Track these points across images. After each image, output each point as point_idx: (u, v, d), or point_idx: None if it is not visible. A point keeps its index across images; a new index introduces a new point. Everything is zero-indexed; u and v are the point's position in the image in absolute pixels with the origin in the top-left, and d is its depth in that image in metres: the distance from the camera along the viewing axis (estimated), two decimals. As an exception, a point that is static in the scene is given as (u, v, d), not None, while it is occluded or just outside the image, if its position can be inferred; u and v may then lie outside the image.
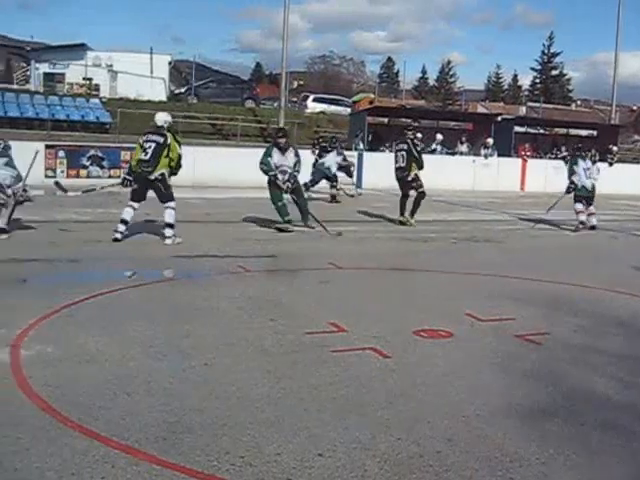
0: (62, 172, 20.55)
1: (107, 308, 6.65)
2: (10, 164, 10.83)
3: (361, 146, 26.67)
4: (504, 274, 8.99)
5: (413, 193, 14.00)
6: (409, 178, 13.93)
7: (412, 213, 13.88)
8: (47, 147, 20.64)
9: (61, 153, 20.84)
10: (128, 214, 10.53)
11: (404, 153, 14.04)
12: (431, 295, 7.81)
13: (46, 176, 20.06)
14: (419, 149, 14.60)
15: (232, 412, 4.21)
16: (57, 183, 12.21)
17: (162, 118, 10.83)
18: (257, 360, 5.18)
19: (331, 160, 18.98)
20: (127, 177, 10.93)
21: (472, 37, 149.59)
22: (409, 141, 14.17)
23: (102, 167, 21.44)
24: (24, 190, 10.75)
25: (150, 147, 10.44)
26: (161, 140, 10.47)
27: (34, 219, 11.56)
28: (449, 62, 79.95)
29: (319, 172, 18.70)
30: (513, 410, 4.44)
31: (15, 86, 41.80)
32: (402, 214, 14.00)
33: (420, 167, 14.03)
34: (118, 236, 10.33)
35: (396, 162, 14.21)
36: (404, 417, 4.23)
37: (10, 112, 29.93)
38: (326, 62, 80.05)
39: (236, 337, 5.74)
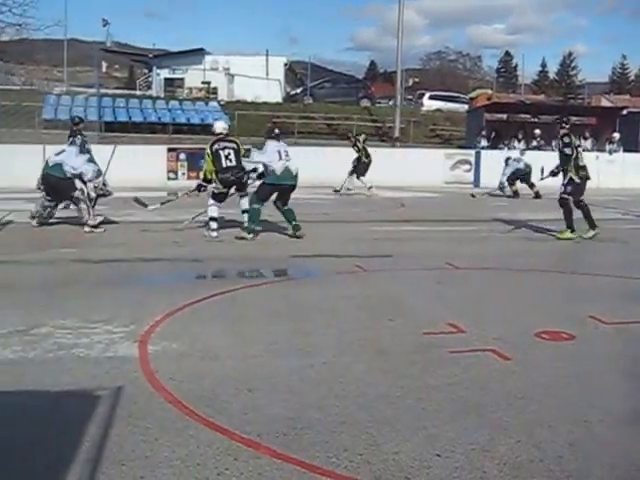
0: (183, 174, 21.26)
1: (229, 306, 6.84)
2: (91, 160, 11.79)
3: (483, 143, 26.20)
4: (629, 275, 8.66)
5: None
6: (564, 181, 11.80)
7: (590, 224, 11.84)
8: (169, 150, 21.38)
9: (182, 156, 21.55)
10: (216, 212, 11.23)
11: (558, 152, 12.05)
12: (552, 296, 7.62)
13: (168, 178, 20.81)
14: (572, 145, 11.81)
15: (351, 410, 4.24)
16: (136, 199, 12.58)
17: (222, 125, 12.13)
18: (375, 360, 5.21)
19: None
20: (202, 184, 11.76)
21: (596, 26, 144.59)
22: (562, 137, 11.88)
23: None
24: (104, 184, 11.81)
25: (230, 154, 11.20)
26: (235, 145, 11.36)
27: (157, 220, 12.05)
28: (570, 54, 77.75)
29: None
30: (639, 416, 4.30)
31: (138, 92, 43.33)
32: (571, 227, 11.74)
33: (576, 169, 11.65)
34: (215, 234, 10.95)
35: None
36: (524, 420, 4.15)
37: (134, 117, 31.05)
38: (442, 58, 79.27)
39: (355, 336, 5.78)
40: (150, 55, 48.29)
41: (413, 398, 4.46)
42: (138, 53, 54.82)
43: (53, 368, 4.92)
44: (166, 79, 43.36)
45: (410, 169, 22.85)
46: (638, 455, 3.75)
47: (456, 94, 48.56)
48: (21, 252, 9.59)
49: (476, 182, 24.03)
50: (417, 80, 69.78)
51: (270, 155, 11.04)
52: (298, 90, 47.50)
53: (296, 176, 11.11)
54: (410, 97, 50.98)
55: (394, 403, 4.37)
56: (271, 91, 40.93)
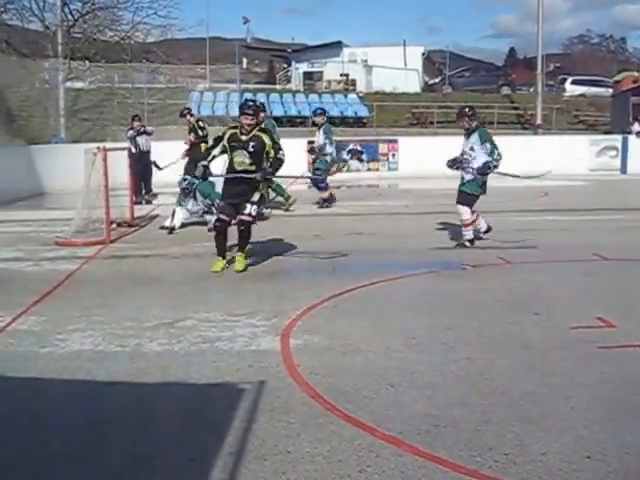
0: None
1: (370, 300, 6.81)
2: None
3: (637, 128, 24.87)
4: None
5: None
6: None
7: None
8: (309, 143, 21.59)
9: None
10: None
11: None
12: None
13: (308, 170, 21.05)
14: None
15: (495, 408, 4.14)
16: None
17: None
18: (520, 355, 5.06)
19: None
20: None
21: None
22: None
23: (361, 160, 22.06)
24: None
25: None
26: None
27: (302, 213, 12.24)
28: None
29: None
30: None
31: (278, 86, 44.06)
32: None
33: None
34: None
35: None
36: (684, 422, 3.91)
37: (275, 111, 31.52)
38: (584, 42, 76.23)
39: (498, 331, 5.64)
40: (289, 50, 49.09)
41: (561, 396, 4.29)
42: (277, 48, 55.89)
43: (197, 361, 5.07)
44: (305, 73, 43.86)
45: (553, 156, 22.08)
46: None
47: (600, 78, 46.48)
48: (166, 246, 9.95)
49: (623, 169, 22.97)
50: (558, 65, 67.34)
51: None
52: (437, 79, 46.92)
53: None
54: (552, 83, 49.17)
55: (540, 401, 4.23)
56: (409, 81, 40.56)
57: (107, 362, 5.06)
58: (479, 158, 9.42)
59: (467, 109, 9.74)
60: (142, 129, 16.13)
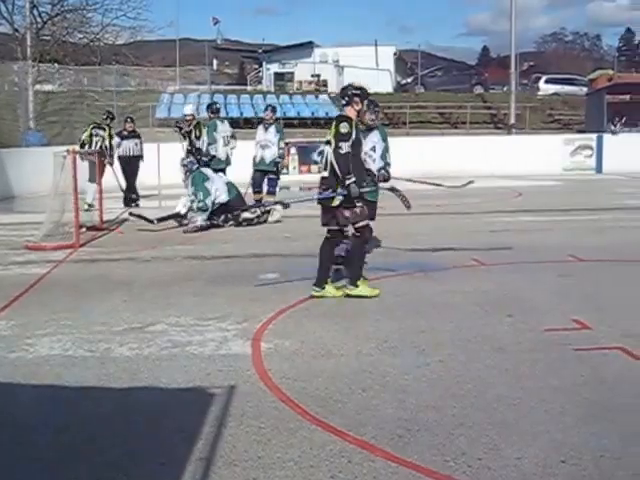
0: (294, 168, 21.47)
1: (341, 303, 6.74)
2: None
3: (616, 128, 25.02)
4: None
5: None
6: None
7: None
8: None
9: (292, 150, 21.71)
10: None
11: None
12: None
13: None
14: None
15: (468, 412, 4.08)
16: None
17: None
18: (494, 358, 5.01)
19: None
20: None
21: None
22: None
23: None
24: None
25: None
26: None
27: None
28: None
29: None
30: None
31: (249, 87, 43.99)
32: None
33: None
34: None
35: None
36: (660, 425, 3.87)
37: (245, 113, 31.41)
38: (558, 40, 76.86)
39: (472, 334, 5.59)
40: (260, 50, 48.92)
41: (535, 400, 4.25)
42: (248, 49, 55.68)
43: (167, 365, 5.00)
44: (276, 73, 43.79)
45: (526, 156, 22.22)
46: None
47: (574, 76, 46.82)
48: (136, 250, 9.84)
49: (599, 168, 23.14)
50: (532, 64, 67.80)
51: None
52: (409, 79, 46.99)
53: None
54: (525, 82, 49.46)
55: (515, 405, 4.18)
56: (381, 81, 40.56)
57: (76, 367, 5.00)
58: (378, 161, 8.11)
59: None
60: (131, 132, 15.72)
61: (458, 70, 47.25)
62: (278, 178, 14.01)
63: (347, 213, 6.76)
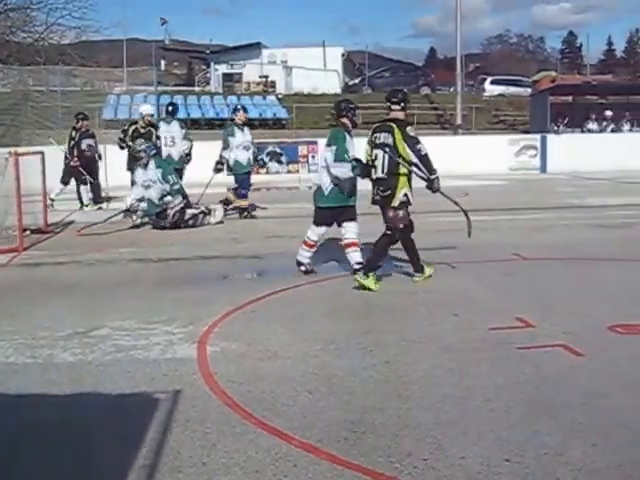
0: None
1: (288, 304, 6.73)
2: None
3: (559, 129, 25.43)
4: None
5: None
6: None
7: None
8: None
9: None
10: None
11: None
12: (627, 288, 7.23)
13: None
14: None
15: (414, 412, 4.10)
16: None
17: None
18: (439, 358, 5.04)
19: None
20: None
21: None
22: None
23: (281, 162, 21.98)
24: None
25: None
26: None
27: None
28: (638, 30, 75.35)
29: None
30: None
31: (197, 88, 43.73)
32: None
33: None
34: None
35: None
36: (600, 421, 3.93)
37: (192, 114, 31.22)
38: (503, 42, 77.97)
39: (417, 334, 5.62)
40: (207, 51, 48.73)
41: (480, 399, 4.28)
42: (196, 50, 55.38)
43: (111, 371, 4.92)
44: (224, 74, 43.66)
45: (473, 157, 22.44)
46: None
47: (519, 78, 47.56)
48: (81, 252, 9.65)
49: (543, 168, 23.50)
50: (478, 65, 68.65)
51: None
52: (357, 80, 47.21)
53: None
54: (472, 83, 50.07)
55: (460, 404, 4.21)
56: (329, 82, 40.75)
57: (18, 374, 4.89)
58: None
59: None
60: (87, 131, 15.14)
61: (405, 71, 47.70)
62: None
63: (391, 214, 7.34)
